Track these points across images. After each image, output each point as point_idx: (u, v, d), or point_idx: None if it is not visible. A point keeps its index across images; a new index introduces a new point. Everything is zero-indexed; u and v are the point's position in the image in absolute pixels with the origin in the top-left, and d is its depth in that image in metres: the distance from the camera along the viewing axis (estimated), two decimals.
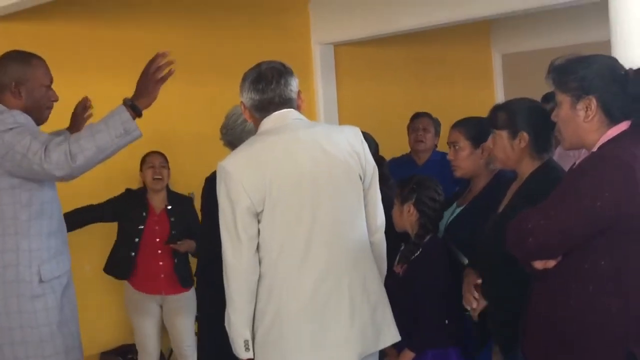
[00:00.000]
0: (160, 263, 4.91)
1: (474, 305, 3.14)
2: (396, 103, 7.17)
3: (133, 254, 4.85)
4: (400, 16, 6.18)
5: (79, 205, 4.79)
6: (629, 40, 2.79)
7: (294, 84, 2.91)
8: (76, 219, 4.59)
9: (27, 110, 3.12)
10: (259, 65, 2.93)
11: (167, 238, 4.90)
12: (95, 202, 4.98)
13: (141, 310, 4.95)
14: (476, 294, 3.13)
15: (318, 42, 6.70)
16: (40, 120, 3.19)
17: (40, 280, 3.06)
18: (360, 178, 2.90)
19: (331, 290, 2.79)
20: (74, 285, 3.27)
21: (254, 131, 3.53)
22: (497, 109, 3.15)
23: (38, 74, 3.17)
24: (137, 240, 4.87)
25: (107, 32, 5.40)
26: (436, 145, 5.66)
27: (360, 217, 2.92)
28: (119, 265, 4.91)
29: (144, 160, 5.03)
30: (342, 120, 6.53)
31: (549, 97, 3.04)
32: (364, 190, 2.93)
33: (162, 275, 4.92)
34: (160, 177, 4.94)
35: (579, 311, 2.36)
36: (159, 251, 4.89)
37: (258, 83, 2.88)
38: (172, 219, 4.93)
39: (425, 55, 7.59)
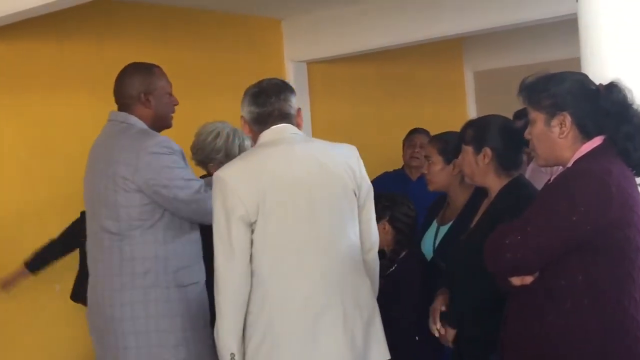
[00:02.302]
0: None
1: (435, 333, 3.14)
2: (369, 120, 7.19)
3: None
4: (373, 34, 6.20)
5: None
6: (599, 56, 2.80)
7: (293, 101, 2.97)
8: (44, 259, 4.61)
9: (156, 118, 3.30)
10: (260, 81, 3.01)
11: None
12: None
13: None
14: (437, 322, 3.13)
15: (291, 60, 6.70)
16: (167, 126, 3.38)
17: (177, 286, 3.15)
18: (355, 194, 2.92)
19: (324, 304, 2.79)
20: (206, 295, 3.31)
21: (223, 149, 3.55)
22: (468, 125, 3.19)
23: (162, 82, 3.34)
24: None
25: (74, 51, 5.35)
26: None
27: (354, 232, 2.92)
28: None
29: None
30: (315, 137, 6.51)
31: (520, 114, 3.06)
32: (358, 207, 2.94)
33: None
34: None
35: (556, 328, 2.35)
36: None
37: (258, 97, 2.94)
38: None
39: (398, 73, 7.61)
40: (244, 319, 2.78)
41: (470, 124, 3.20)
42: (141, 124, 3.25)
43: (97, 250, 3.26)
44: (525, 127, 2.68)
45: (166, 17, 5.88)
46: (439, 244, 3.51)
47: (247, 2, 6.01)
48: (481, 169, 3.06)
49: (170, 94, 3.36)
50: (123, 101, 3.31)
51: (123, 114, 3.28)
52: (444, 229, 3.52)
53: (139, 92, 3.26)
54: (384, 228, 3.55)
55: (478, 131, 3.10)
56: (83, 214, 4.88)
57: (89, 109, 5.40)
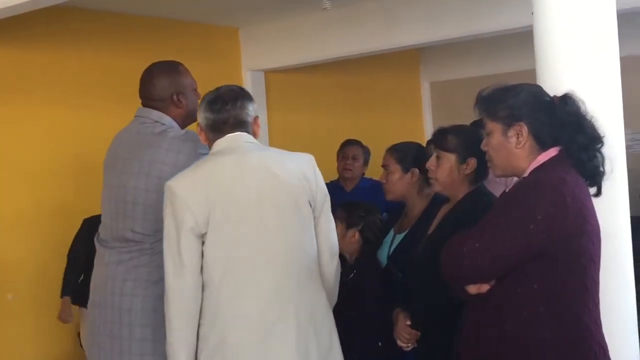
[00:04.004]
0: None
1: (410, 346, 3.15)
2: (327, 130, 7.21)
3: None
4: (331, 44, 6.23)
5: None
6: (553, 68, 2.85)
7: (251, 108, 2.92)
8: (73, 281, 4.76)
9: (186, 115, 3.26)
10: (218, 87, 2.95)
11: None
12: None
13: None
14: (409, 335, 3.14)
15: (249, 69, 6.70)
16: (194, 120, 3.25)
17: None
18: (310, 205, 2.88)
19: (277, 317, 2.74)
20: None
21: None
22: (446, 132, 3.15)
23: (188, 80, 3.30)
24: None
25: (33, 58, 5.30)
26: (363, 173, 5.70)
27: (309, 243, 2.87)
28: None
29: None
30: (272, 147, 6.51)
31: (476, 125, 3.08)
32: (315, 217, 2.90)
33: None
34: None
35: (513, 336, 2.36)
36: None
37: (214, 103, 2.89)
38: None
39: (355, 83, 7.65)
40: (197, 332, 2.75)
41: (450, 132, 3.15)
42: (176, 125, 3.21)
43: (121, 246, 3.14)
44: None
45: (124, 26, 5.85)
46: (393, 252, 3.53)
47: (204, 10, 5.99)
48: (460, 178, 3.08)
49: (196, 89, 3.32)
50: (153, 103, 3.23)
51: (156, 112, 3.21)
52: (400, 237, 3.54)
53: (171, 93, 3.22)
54: (354, 236, 3.58)
55: (464, 141, 3.09)
56: (85, 221, 4.85)
57: (46, 117, 5.34)
